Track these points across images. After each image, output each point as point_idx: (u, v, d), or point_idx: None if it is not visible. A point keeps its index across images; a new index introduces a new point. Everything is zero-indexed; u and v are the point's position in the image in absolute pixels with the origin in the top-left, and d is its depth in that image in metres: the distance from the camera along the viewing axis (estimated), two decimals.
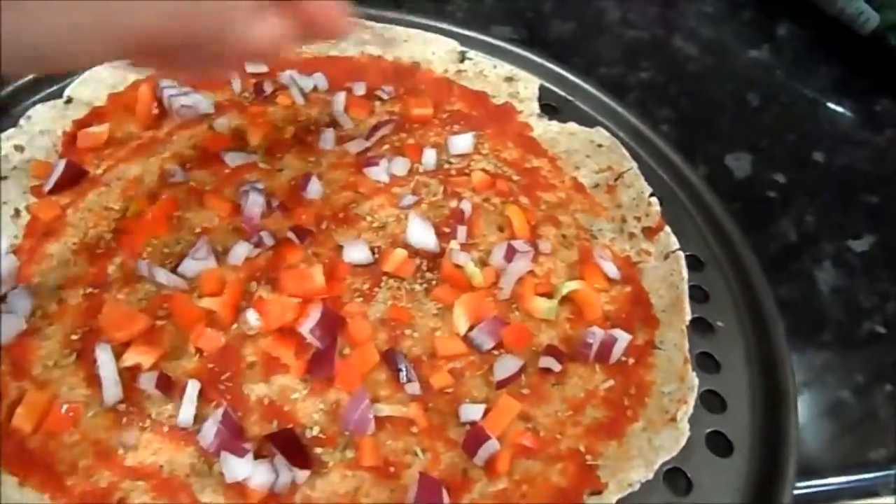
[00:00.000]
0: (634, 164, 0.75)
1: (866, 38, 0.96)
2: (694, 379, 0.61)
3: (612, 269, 0.68)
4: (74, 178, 0.66)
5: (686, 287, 0.66)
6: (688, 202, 0.76)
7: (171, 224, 0.65)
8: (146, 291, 0.61)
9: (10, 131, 0.69)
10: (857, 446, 0.67)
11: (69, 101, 0.72)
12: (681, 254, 0.69)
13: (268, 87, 0.78)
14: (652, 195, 0.73)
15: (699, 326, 0.67)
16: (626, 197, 0.74)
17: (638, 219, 0.72)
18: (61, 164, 0.66)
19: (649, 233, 0.71)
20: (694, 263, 0.71)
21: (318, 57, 0.82)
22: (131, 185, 0.68)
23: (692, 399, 0.59)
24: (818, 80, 1.01)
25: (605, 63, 0.94)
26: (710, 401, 0.62)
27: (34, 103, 0.72)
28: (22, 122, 0.70)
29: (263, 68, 0.79)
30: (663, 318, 0.65)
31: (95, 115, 0.72)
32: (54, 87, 0.74)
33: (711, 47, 1.01)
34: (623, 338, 0.62)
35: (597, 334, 0.62)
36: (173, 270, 0.62)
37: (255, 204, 0.66)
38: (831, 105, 0.98)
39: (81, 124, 0.71)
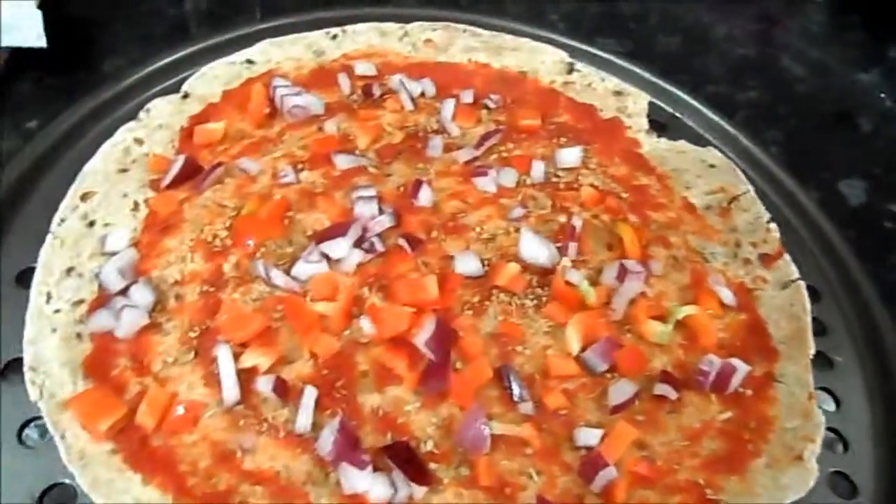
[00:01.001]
0: (751, 188, 0.72)
1: None
2: (820, 416, 0.58)
3: (727, 296, 0.66)
4: (191, 174, 0.67)
5: (809, 319, 0.64)
6: (802, 229, 0.74)
7: (284, 225, 0.65)
8: (260, 292, 0.61)
9: (131, 124, 0.70)
10: None
11: (186, 95, 0.73)
12: (802, 284, 0.66)
13: (376, 91, 0.77)
14: (770, 220, 0.70)
15: (817, 360, 0.64)
16: (742, 221, 0.71)
17: (754, 244, 0.70)
18: (180, 160, 0.67)
19: (767, 260, 0.68)
20: (810, 294, 0.68)
21: (426, 62, 0.81)
22: (245, 183, 0.68)
23: (819, 437, 0.57)
24: None
25: (711, 80, 0.92)
26: (831, 439, 0.60)
27: (151, 97, 0.73)
28: (141, 115, 0.71)
29: (373, 71, 0.79)
30: (783, 351, 0.63)
31: (210, 112, 0.73)
32: (171, 81, 0.75)
33: (819, 68, 0.97)
34: (742, 368, 0.60)
35: (714, 363, 0.60)
36: (286, 272, 0.61)
37: (367, 209, 0.65)
38: None
39: (197, 120, 0.72)
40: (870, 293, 0.68)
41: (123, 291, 0.58)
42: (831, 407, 0.62)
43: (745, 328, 0.65)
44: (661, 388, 0.59)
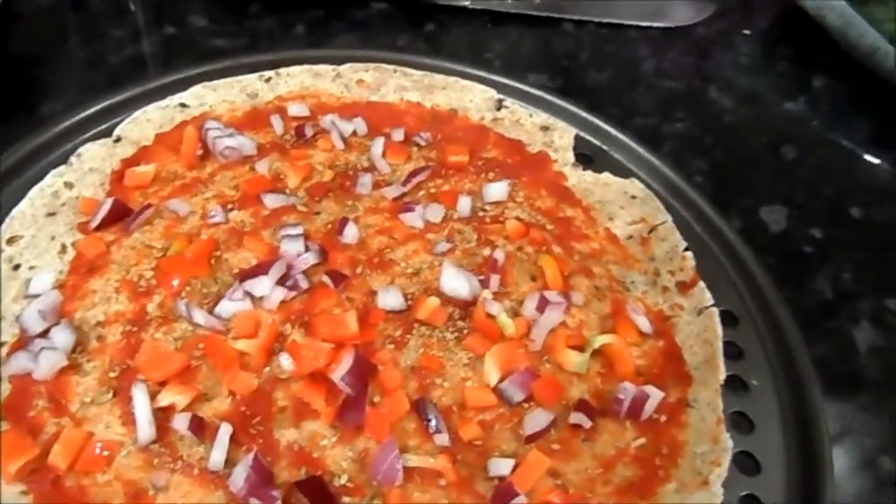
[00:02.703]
0: (669, 218, 0.75)
1: None
2: (728, 441, 0.60)
3: (644, 324, 0.68)
4: (120, 216, 0.68)
5: (720, 345, 0.66)
6: (722, 256, 0.76)
7: (210, 264, 0.67)
8: (183, 331, 0.62)
9: (61, 168, 0.71)
10: None
11: (118, 139, 0.75)
12: (715, 310, 0.68)
13: (309, 131, 0.80)
14: (686, 249, 0.73)
15: (733, 384, 0.66)
16: (660, 250, 0.73)
17: (672, 273, 0.72)
18: (108, 202, 0.68)
19: (683, 287, 0.71)
20: (728, 319, 0.70)
21: (359, 102, 0.84)
22: (174, 224, 0.70)
23: (726, 461, 0.58)
24: (855, 132, 1.00)
25: (640, 113, 0.95)
26: (744, 462, 0.61)
27: (84, 141, 0.75)
28: (72, 159, 0.72)
29: (305, 112, 0.81)
30: (697, 376, 0.65)
31: (143, 155, 0.75)
32: (104, 126, 0.77)
33: (747, 99, 1.01)
34: (655, 395, 0.62)
35: (628, 390, 0.61)
36: (210, 311, 0.63)
37: (292, 247, 0.67)
38: (868, 157, 0.97)
39: (129, 163, 0.74)
40: (785, 318, 0.70)
41: (44, 333, 0.59)
42: (746, 430, 0.64)
43: (663, 355, 0.67)
44: (576, 417, 0.60)
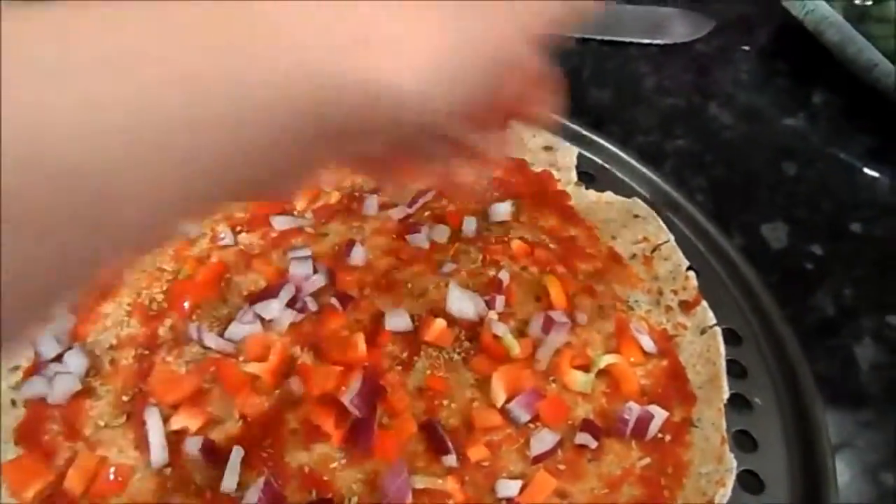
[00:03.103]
0: (671, 237, 0.76)
1: None
2: (732, 461, 0.60)
3: (648, 343, 0.68)
4: None
5: (723, 364, 0.67)
6: (724, 274, 0.77)
7: (220, 287, 0.68)
8: (194, 354, 0.63)
9: None
10: None
11: None
12: (717, 330, 0.69)
13: None
14: (689, 268, 0.74)
15: (737, 403, 0.66)
16: (663, 269, 0.74)
17: (675, 292, 0.73)
18: None
19: (686, 307, 0.72)
20: (731, 337, 0.71)
21: None
22: (184, 247, 0.71)
23: (730, 482, 0.59)
24: (854, 147, 1.01)
25: (641, 131, 0.96)
26: (748, 481, 0.62)
27: None
28: None
29: None
30: (700, 395, 0.65)
31: None
32: None
33: (747, 115, 1.02)
34: (660, 414, 0.62)
35: (633, 410, 0.62)
36: (221, 334, 0.64)
37: (301, 270, 0.68)
38: (868, 171, 0.98)
39: None
40: (787, 336, 0.71)
41: (58, 358, 0.60)
42: (749, 449, 0.64)
43: (667, 374, 0.68)
44: (582, 437, 0.61)
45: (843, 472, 0.66)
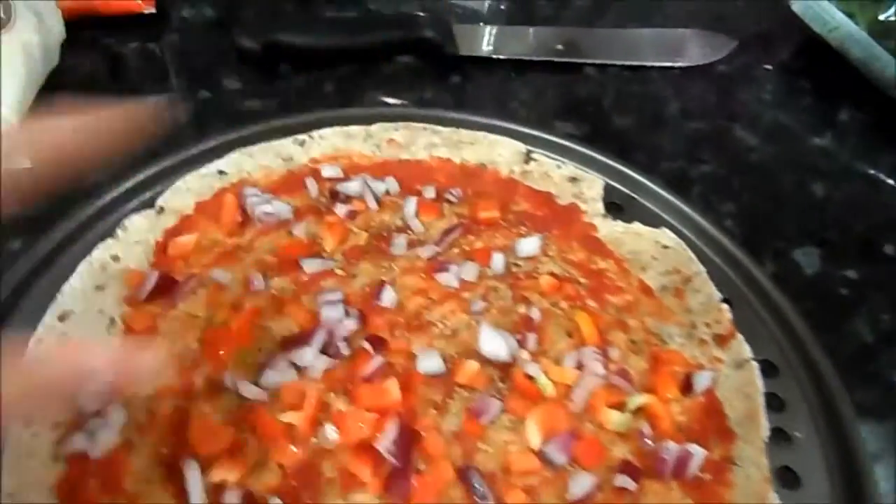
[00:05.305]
0: (703, 269, 0.75)
1: None
2: (776, 500, 0.59)
3: (704, 381, 0.67)
4: (166, 288, 0.70)
5: (762, 400, 0.66)
6: (757, 304, 0.76)
7: (254, 334, 0.68)
8: (230, 403, 0.63)
9: (108, 241, 0.73)
10: None
11: (161, 210, 0.77)
12: (755, 364, 0.68)
13: (342, 192, 0.81)
14: (723, 300, 0.73)
15: (777, 437, 0.65)
16: (695, 302, 0.74)
17: (708, 325, 0.72)
18: (154, 276, 0.70)
19: (721, 340, 0.71)
20: (768, 369, 0.70)
21: (389, 161, 0.85)
22: (217, 293, 0.71)
23: None
24: (883, 165, 0.99)
25: (666, 157, 0.95)
26: None
27: (128, 212, 0.77)
28: (118, 231, 0.74)
29: (339, 173, 0.83)
30: (740, 432, 0.64)
31: (185, 224, 0.77)
32: (147, 196, 0.79)
33: (773, 136, 1.01)
34: (699, 453, 0.62)
35: (671, 449, 0.62)
36: (255, 381, 0.64)
37: (333, 313, 0.68)
38: None
39: (172, 233, 0.76)
40: (825, 365, 0.70)
41: (99, 412, 0.61)
42: (792, 485, 0.63)
43: (704, 411, 0.67)
44: (621, 480, 0.61)
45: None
